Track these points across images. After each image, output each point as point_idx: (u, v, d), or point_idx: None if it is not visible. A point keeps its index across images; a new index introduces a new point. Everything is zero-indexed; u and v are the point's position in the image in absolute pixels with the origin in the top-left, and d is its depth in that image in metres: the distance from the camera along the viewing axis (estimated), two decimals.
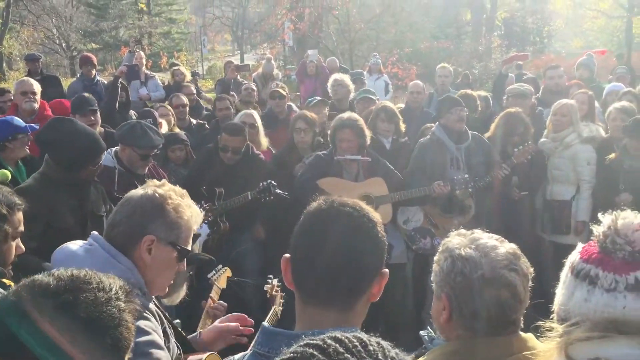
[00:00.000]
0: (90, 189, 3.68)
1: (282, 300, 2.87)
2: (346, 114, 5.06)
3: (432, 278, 1.84)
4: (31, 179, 3.61)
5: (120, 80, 6.58)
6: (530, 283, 1.77)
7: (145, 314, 1.93)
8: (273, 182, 4.71)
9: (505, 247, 1.76)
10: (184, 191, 2.16)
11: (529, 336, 1.72)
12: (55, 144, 3.54)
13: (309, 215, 1.50)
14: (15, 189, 3.41)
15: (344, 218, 1.46)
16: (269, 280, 2.95)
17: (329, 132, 5.12)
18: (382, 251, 1.49)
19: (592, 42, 30.52)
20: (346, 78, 6.98)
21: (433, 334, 1.95)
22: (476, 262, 1.71)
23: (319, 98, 6.72)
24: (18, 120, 4.55)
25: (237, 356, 1.54)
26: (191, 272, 2.70)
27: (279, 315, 2.79)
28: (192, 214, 2.11)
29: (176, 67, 9.66)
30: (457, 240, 1.80)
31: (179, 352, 2.15)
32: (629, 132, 4.95)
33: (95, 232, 2.10)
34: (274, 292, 2.89)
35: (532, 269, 1.77)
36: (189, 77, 9.71)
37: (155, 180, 2.20)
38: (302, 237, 1.48)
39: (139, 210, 2.01)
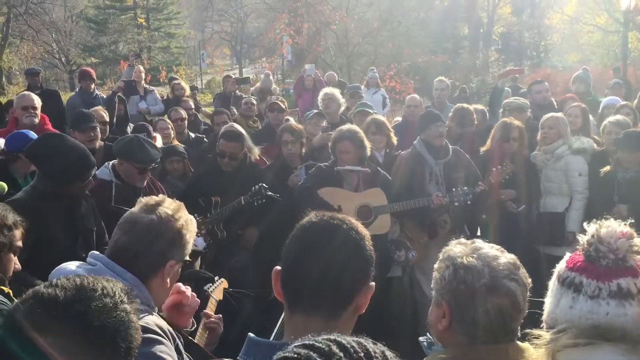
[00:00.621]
0: (81, 203, 3.69)
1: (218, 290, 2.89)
2: (346, 126, 5.10)
3: (431, 285, 1.86)
4: (22, 192, 3.63)
5: (117, 95, 6.66)
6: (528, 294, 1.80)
7: (161, 338, 1.93)
8: (264, 184, 4.76)
9: (505, 257, 1.79)
10: (180, 203, 2.18)
11: (525, 345, 1.75)
12: (45, 159, 3.56)
13: (299, 227, 1.56)
14: (7, 201, 3.44)
15: (332, 230, 1.51)
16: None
17: (329, 144, 5.15)
18: (369, 264, 1.53)
19: (588, 56, 30.71)
20: (336, 92, 6.99)
21: (432, 340, 1.97)
22: (479, 271, 1.73)
23: (315, 111, 6.76)
24: (33, 135, 4.60)
25: None
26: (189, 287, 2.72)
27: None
28: (192, 226, 2.16)
29: (176, 82, 9.73)
30: (459, 249, 1.82)
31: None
32: (621, 145, 5.00)
33: (95, 252, 2.11)
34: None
35: (529, 280, 1.79)
36: (188, 91, 9.76)
37: (153, 196, 2.21)
38: (291, 247, 1.54)
39: (160, 239, 2.04)
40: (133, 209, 2.12)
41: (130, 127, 6.87)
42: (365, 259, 1.52)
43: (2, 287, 2.37)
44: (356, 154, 4.80)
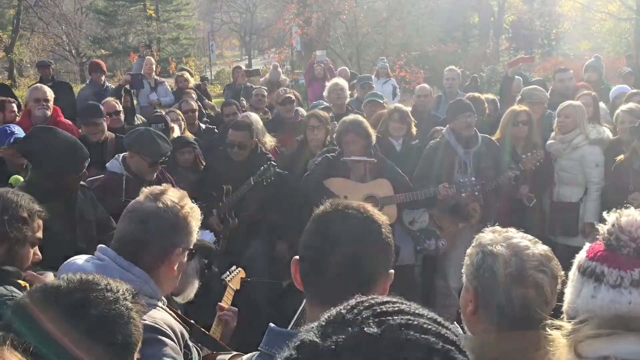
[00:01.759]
0: (76, 194, 3.67)
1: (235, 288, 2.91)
2: (350, 117, 5.09)
3: (463, 270, 1.89)
4: (17, 188, 3.64)
5: (124, 87, 6.72)
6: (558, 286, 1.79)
7: (166, 339, 1.93)
8: (272, 162, 4.78)
9: (537, 248, 1.80)
10: (183, 192, 2.20)
11: (555, 335, 1.74)
12: (36, 154, 3.55)
13: (316, 218, 1.56)
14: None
15: (349, 221, 1.50)
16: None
17: (334, 135, 5.17)
18: (388, 252, 1.53)
19: (600, 44, 30.38)
20: (344, 83, 7.02)
21: (460, 329, 1.98)
22: (506, 260, 1.75)
23: (325, 104, 6.74)
24: (14, 128, 4.62)
25: (245, 356, 1.58)
26: (199, 264, 2.74)
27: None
28: (196, 214, 2.18)
29: (180, 74, 9.71)
30: (491, 236, 1.84)
31: (198, 357, 2.17)
32: (637, 134, 4.94)
33: (102, 246, 2.12)
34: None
35: (562, 272, 1.79)
36: (192, 82, 9.74)
37: (157, 186, 2.22)
38: (310, 240, 1.53)
39: (166, 226, 2.05)
40: (138, 198, 2.13)
41: (137, 119, 6.89)
42: (383, 246, 1.52)
43: (19, 281, 2.39)
44: (362, 144, 4.78)
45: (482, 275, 1.77)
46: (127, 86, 7.10)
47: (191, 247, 2.14)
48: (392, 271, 1.55)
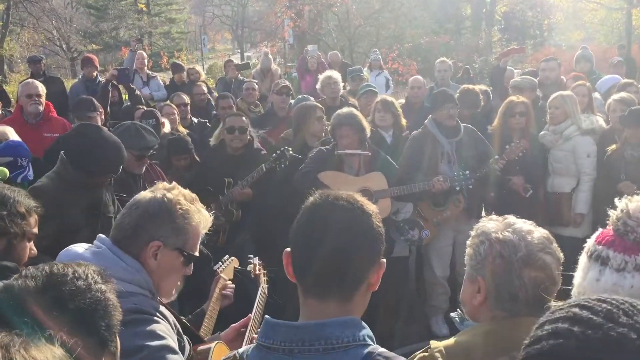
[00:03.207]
0: (102, 191, 3.67)
1: (266, 278, 2.91)
2: (344, 110, 5.08)
3: (465, 261, 1.89)
4: (45, 178, 3.59)
5: (111, 82, 6.70)
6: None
7: (156, 318, 1.94)
8: (287, 147, 4.79)
9: (539, 231, 1.82)
10: (194, 196, 2.17)
11: None
12: (81, 151, 3.51)
13: (305, 210, 1.55)
14: (31, 188, 3.47)
15: (338, 211, 1.50)
16: (250, 261, 2.99)
17: (327, 128, 5.16)
18: (378, 242, 1.52)
19: (592, 34, 30.47)
20: (337, 75, 6.98)
21: (464, 315, 1.99)
22: (515, 245, 1.76)
23: (311, 99, 6.67)
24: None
25: (241, 349, 1.59)
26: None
27: (267, 293, 2.84)
28: (201, 219, 2.12)
29: (191, 67, 9.71)
30: (493, 224, 1.85)
31: (189, 346, 2.18)
32: (626, 122, 4.98)
33: (101, 235, 2.12)
34: (257, 271, 2.93)
35: (562, 254, 1.82)
36: (204, 75, 9.76)
37: (165, 183, 2.21)
38: (299, 231, 1.53)
39: (146, 215, 2.03)
40: (144, 192, 2.14)
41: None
42: (373, 236, 1.51)
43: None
44: (356, 137, 4.79)
45: (492, 263, 1.78)
46: (115, 81, 7.06)
47: (186, 247, 2.08)
48: (383, 260, 1.55)
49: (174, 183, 2.21)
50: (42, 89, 5.93)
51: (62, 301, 1.36)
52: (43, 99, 5.88)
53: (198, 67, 9.63)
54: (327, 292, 1.48)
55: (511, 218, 1.87)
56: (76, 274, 1.43)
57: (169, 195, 2.08)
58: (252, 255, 3.05)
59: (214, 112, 7.68)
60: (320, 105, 5.66)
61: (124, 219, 2.08)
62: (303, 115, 5.51)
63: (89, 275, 1.45)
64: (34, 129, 5.68)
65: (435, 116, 5.20)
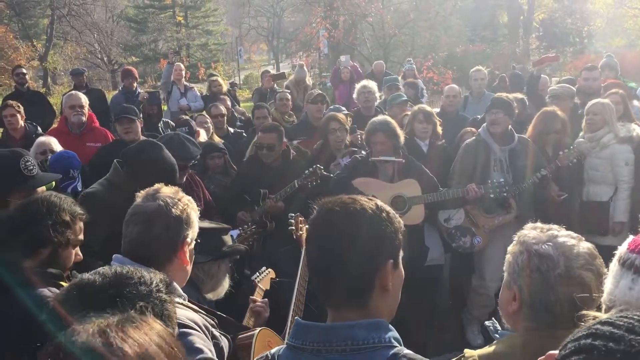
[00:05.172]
0: None
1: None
2: (379, 117, 5.12)
3: (504, 267, 1.87)
4: (98, 185, 3.74)
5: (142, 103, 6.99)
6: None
7: (191, 330, 1.99)
8: (320, 165, 4.83)
9: (582, 246, 1.78)
10: (176, 188, 2.30)
11: None
12: (139, 165, 3.65)
13: (310, 220, 1.59)
14: (85, 192, 3.61)
15: (333, 217, 1.51)
16: (291, 221, 2.99)
17: (363, 136, 5.19)
18: (381, 242, 1.51)
19: (634, 40, 29.76)
20: (373, 85, 7.00)
21: (498, 325, 1.99)
22: (554, 261, 1.73)
23: (343, 109, 6.72)
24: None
25: (272, 350, 1.63)
26: (231, 264, 2.81)
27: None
28: (193, 205, 2.26)
29: (214, 78, 9.87)
30: (534, 234, 1.81)
31: (228, 341, 2.23)
32: None
33: (118, 256, 2.16)
34: (299, 231, 2.93)
35: (606, 270, 1.76)
36: (225, 88, 9.89)
37: (151, 187, 2.30)
38: (307, 242, 1.59)
39: (170, 221, 2.13)
40: (136, 202, 2.23)
41: (162, 124, 7.06)
42: (374, 238, 1.50)
43: (62, 282, 2.47)
44: (390, 144, 4.81)
45: (529, 276, 1.75)
46: (146, 103, 7.26)
47: (195, 236, 2.23)
48: (391, 261, 1.52)
49: (157, 185, 2.30)
50: (84, 100, 6.10)
51: (121, 302, 1.40)
52: (86, 110, 6.05)
53: (220, 80, 9.72)
54: (339, 304, 1.51)
55: (555, 229, 1.83)
56: (142, 279, 1.48)
57: (168, 197, 2.19)
58: (292, 214, 3.06)
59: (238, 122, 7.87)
60: (342, 116, 5.68)
61: (135, 231, 2.15)
62: (324, 127, 5.62)
63: (155, 282, 1.49)
64: (77, 139, 5.85)
65: (485, 122, 5.20)
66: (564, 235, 1.80)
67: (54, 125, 7.33)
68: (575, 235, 1.82)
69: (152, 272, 1.55)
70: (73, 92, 6.84)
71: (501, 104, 5.19)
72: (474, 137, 5.29)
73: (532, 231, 1.83)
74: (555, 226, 1.84)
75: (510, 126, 5.13)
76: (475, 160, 5.11)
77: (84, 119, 5.99)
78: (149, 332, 1.18)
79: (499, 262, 5.53)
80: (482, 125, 5.27)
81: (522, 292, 1.77)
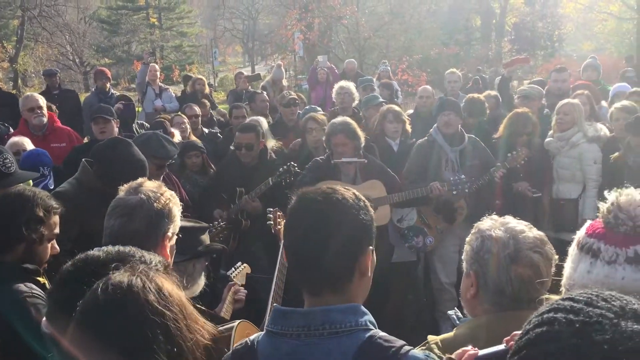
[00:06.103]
0: None
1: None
2: (339, 119, 5.11)
3: (462, 257, 1.99)
4: (67, 184, 3.71)
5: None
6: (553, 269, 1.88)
7: None
8: (293, 163, 4.86)
9: (533, 232, 1.90)
10: (159, 182, 2.34)
11: None
12: (107, 163, 3.62)
13: (287, 212, 1.66)
14: (53, 192, 3.56)
15: (311, 208, 1.58)
16: (270, 215, 3.02)
17: (323, 138, 5.19)
18: (360, 230, 1.57)
19: (603, 44, 30.40)
20: (352, 86, 7.05)
21: (460, 314, 2.07)
22: (504, 242, 1.86)
23: (318, 109, 6.77)
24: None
25: (252, 336, 1.66)
26: (207, 263, 2.82)
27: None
28: (176, 200, 2.29)
29: (199, 77, 9.88)
30: (489, 223, 1.95)
31: None
32: (631, 129, 5.02)
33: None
34: (278, 225, 2.96)
35: (556, 256, 1.88)
36: (207, 89, 9.92)
37: (134, 181, 2.32)
38: (285, 234, 1.64)
39: (153, 215, 2.15)
40: (119, 195, 2.24)
41: (136, 125, 7.01)
42: (353, 225, 1.56)
43: (38, 278, 2.46)
44: (351, 145, 4.79)
45: (482, 257, 1.88)
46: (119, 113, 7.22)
47: (177, 230, 2.25)
48: (371, 247, 1.60)
49: (140, 179, 2.33)
50: (42, 101, 5.97)
51: None
52: (45, 111, 5.92)
53: (204, 79, 9.79)
54: (319, 288, 1.56)
55: (508, 218, 1.95)
56: (143, 258, 1.60)
57: (151, 191, 2.22)
58: (270, 209, 3.10)
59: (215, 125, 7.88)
60: (321, 116, 5.73)
61: (116, 224, 2.17)
62: (303, 127, 5.71)
63: (155, 262, 1.59)
64: (41, 140, 5.74)
65: (437, 124, 5.28)
66: (515, 222, 1.93)
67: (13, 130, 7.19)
68: (527, 223, 1.94)
69: (151, 254, 1.65)
70: (29, 93, 6.72)
71: (451, 105, 5.32)
72: (425, 138, 5.37)
73: (488, 221, 1.97)
74: (509, 217, 1.96)
75: (460, 126, 5.24)
76: (427, 160, 5.20)
77: (45, 119, 5.89)
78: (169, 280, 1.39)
79: (451, 260, 5.60)
80: (434, 126, 5.35)
81: (478, 276, 1.89)
